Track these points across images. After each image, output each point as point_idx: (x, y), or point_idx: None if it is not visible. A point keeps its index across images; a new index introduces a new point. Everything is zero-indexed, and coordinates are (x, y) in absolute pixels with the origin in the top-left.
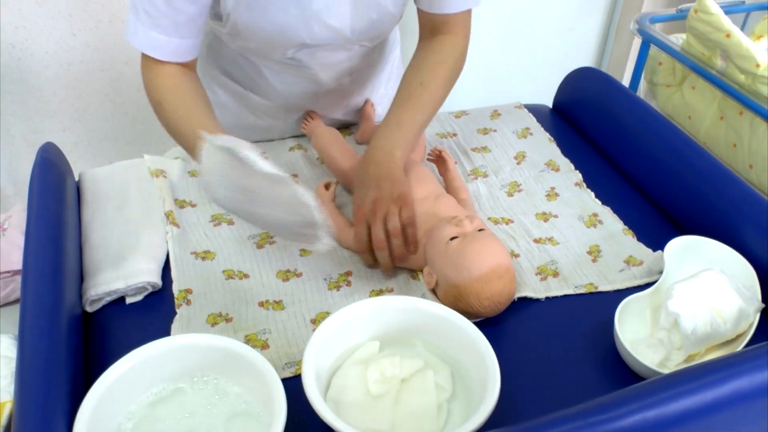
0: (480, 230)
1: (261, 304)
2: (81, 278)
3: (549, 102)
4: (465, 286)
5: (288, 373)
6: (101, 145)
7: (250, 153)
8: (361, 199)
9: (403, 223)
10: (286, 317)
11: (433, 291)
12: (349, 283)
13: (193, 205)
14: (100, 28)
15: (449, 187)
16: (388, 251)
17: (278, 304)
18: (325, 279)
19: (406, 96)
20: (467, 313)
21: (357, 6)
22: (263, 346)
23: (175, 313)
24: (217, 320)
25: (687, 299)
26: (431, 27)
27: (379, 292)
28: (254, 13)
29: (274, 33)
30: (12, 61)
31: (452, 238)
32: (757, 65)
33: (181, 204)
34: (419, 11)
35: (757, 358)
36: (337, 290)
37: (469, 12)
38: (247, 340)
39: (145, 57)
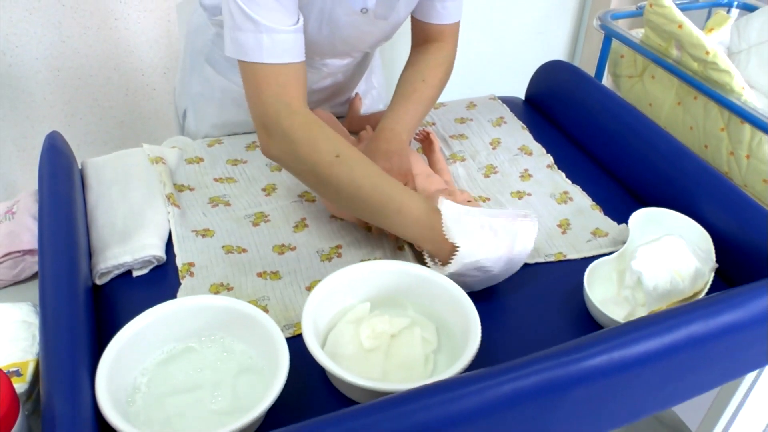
0: (468, 202)
1: (259, 275)
2: (89, 255)
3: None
4: None
5: (287, 334)
6: (90, 148)
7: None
8: None
9: None
10: (283, 285)
11: (417, 256)
12: (339, 255)
13: (191, 189)
14: (88, 35)
15: (433, 169)
16: None
17: (275, 275)
18: (317, 252)
19: (411, 90)
20: None
21: (378, 26)
22: (264, 311)
23: (179, 285)
24: (219, 289)
25: (649, 259)
26: (425, 36)
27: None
28: None
29: None
30: (3, 67)
31: None
32: (707, 52)
33: (179, 188)
34: (414, 22)
35: (710, 305)
36: (329, 261)
37: (457, 25)
38: None
39: (272, 99)
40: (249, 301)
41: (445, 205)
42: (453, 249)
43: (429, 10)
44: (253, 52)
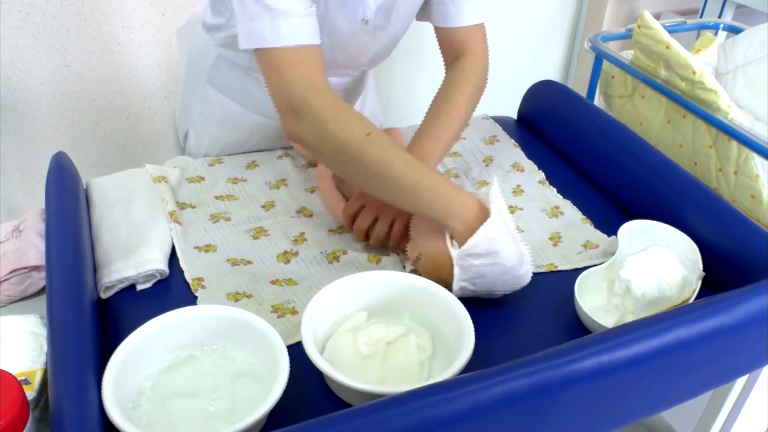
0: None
1: (273, 282)
2: (95, 270)
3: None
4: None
5: None
6: (92, 172)
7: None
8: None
9: (387, 234)
10: (302, 289)
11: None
12: (345, 252)
13: (193, 207)
14: (92, 60)
15: None
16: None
17: (290, 281)
18: (321, 252)
19: (435, 112)
20: (446, 283)
21: (375, 36)
22: (292, 312)
23: (182, 298)
24: (238, 297)
25: (637, 268)
26: (452, 51)
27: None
28: None
29: None
30: (8, 92)
31: None
32: (694, 72)
33: (181, 206)
34: (438, 36)
35: (697, 309)
36: (337, 261)
37: (481, 29)
38: (275, 310)
39: (298, 80)
40: (275, 305)
41: (495, 189)
42: (476, 227)
43: (444, 15)
44: (271, 37)
